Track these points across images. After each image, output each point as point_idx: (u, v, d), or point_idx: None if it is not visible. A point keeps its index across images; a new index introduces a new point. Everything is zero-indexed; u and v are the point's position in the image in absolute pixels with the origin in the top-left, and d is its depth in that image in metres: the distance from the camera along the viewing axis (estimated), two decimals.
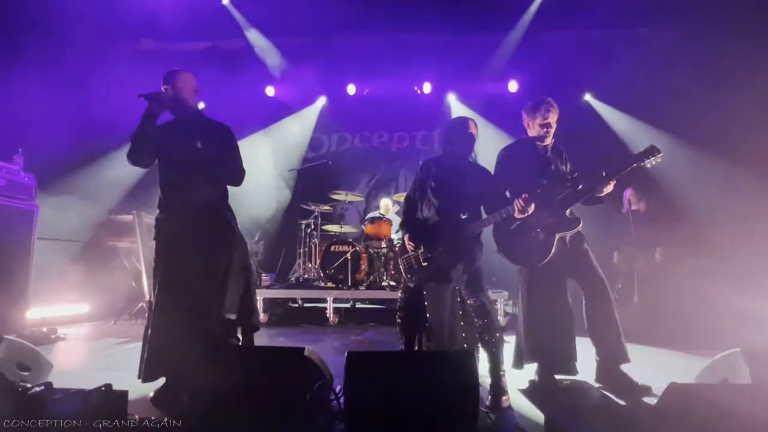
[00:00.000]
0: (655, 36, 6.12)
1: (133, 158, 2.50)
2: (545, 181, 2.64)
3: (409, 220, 2.77)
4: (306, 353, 1.96)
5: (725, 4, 5.35)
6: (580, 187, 2.60)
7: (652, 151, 2.52)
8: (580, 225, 2.65)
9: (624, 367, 2.62)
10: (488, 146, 3.06)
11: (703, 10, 5.49)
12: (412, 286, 2.65)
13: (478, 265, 2.56)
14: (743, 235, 4.83)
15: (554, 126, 2.74)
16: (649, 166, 2.55)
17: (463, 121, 2.66)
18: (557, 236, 2.60)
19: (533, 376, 2.73)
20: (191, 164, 2.47)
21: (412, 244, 2.64)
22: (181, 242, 2.43)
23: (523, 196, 2.45)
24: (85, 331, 4.63)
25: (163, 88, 2.51)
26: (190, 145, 2.47)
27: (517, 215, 2.48)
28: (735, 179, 5.20)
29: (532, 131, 2.78)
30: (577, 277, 2.74)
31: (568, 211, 2.65)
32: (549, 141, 2.77)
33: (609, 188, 2.60)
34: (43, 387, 1.76)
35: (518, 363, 2.76)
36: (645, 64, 6.00)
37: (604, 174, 2.55)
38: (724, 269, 4.52)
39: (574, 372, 2.64)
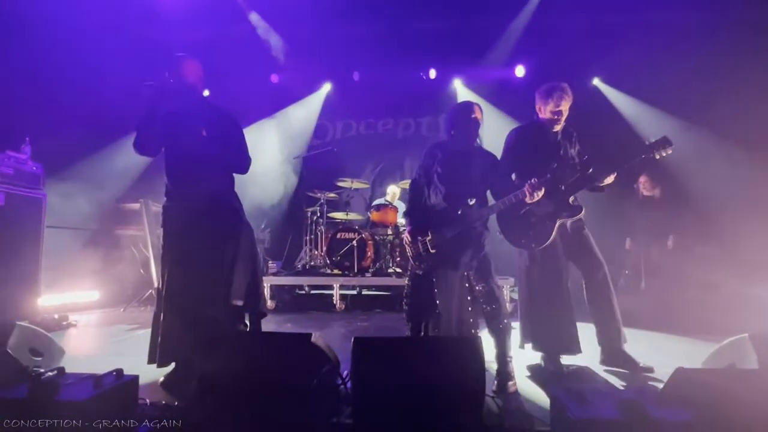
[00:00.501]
0: (666, 20, 5.98)
1: (140, 147, 2.50)
2: (555, 165, 2.62)
3: (414, 209, 2.76)
4: (313, 339, 1.97)
5: None
6: (591, 171, 2.57)
7: (663, 143, 2.45)
8: (582, 212, 2.65)
9: (631, 352, 2.64)
10: (494, 132, 3.03)
11: None
12: (420, 273, 2.63)
13: (486, 251, 2.55)
14: (754, 223, 4.78)
15: (566, 113, 2.71)
16: (658, 157, 2.49)
17: (468, 106, 2.61)
18: (558, 222, 2.60)
19: (539, 361, 2.74)
20: (197, 152, 2.46)
21: (410, 238, 2.64)
22: (189, 230, 2.44)
23: (533, 180, 2.44)
24: (96, 317, 4.69)
25: (167, 76, 2.51)
26: (195, 133, 2.47)
27: (527, 200, 2.47)
28: (747, 167, 5.13)
29: (543, 115, 2.75)
30: (576, 261, 2.77)
31: (571, 198, 2.64)
32: (559, 127, 2.75)
33: (610, 179, 2.59)
34: (55, 372, 1.80)
35: (522, 344, 2.78)
36: (655, 49, 5.89)
37: (600, 168, 2.54)
38: (733, 257, 4.50)
39: (577, 351, 2.63)
